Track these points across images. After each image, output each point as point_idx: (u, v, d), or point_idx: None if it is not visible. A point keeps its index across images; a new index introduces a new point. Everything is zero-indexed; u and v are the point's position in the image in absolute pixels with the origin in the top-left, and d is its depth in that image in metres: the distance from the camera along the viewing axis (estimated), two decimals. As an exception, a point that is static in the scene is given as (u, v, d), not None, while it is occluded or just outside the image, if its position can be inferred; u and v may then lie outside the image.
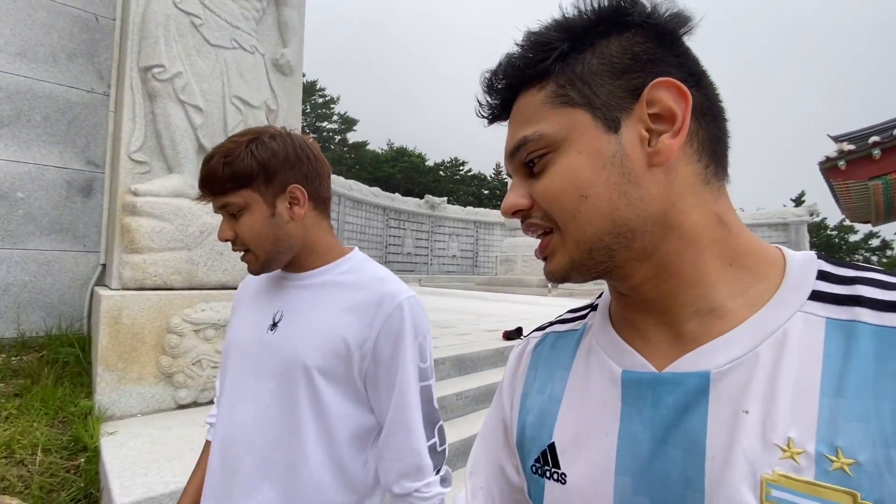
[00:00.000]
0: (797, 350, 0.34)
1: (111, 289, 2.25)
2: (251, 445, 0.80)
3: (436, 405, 0.84)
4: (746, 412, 0.33)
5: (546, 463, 0.44)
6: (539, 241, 0.44)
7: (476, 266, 21.78)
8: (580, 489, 0.41)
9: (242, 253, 0.84)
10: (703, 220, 0.38)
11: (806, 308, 0.35)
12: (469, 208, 22.83)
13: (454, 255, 20.85)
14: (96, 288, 2.65)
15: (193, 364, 2.22)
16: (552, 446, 0.44)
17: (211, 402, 2.23)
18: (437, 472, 0.82)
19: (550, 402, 0.46)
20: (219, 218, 0.88)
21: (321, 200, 0.87)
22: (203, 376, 2.24)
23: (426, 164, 36.72)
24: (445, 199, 21.44)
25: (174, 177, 2.44)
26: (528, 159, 0.41)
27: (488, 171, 39.83)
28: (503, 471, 0.52)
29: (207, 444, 0.95)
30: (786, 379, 0.33)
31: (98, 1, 2.85)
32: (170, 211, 2.35)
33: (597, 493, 0.39)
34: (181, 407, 2.22)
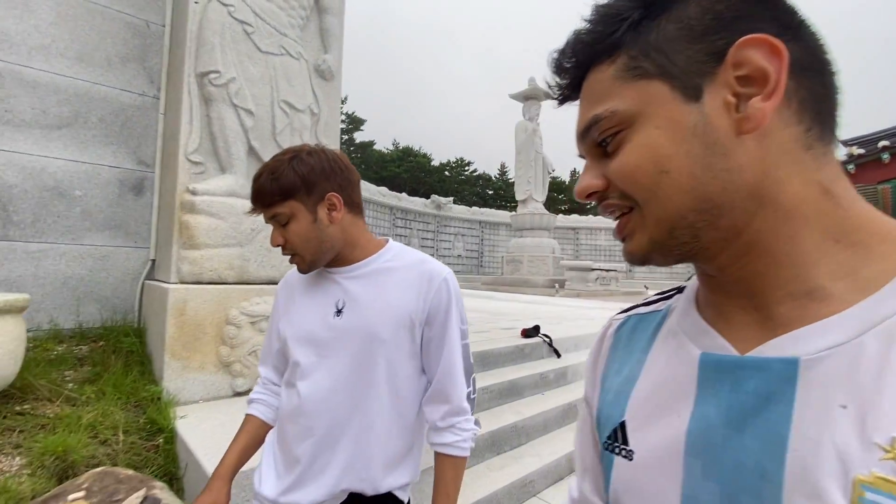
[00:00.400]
0: None
1: (169, 283, 2.38)
2: (330, 412, 0.95)
3: (471, 360, 1.03)
4: (844, 407, 0.30)
5: (616, 440, 0.44)
6: (616, 222, 0.42)
7: (481, 266, 21.90)
8: (646, 466, 0.40)
9: (291, 256, 0.98)
10: (804, 190, 0.34)
11: None
12: (474, 208, 22.95)
13: (460, 255, 20.97)
14: (150, 282, 2.78)
15: (249, 354, 2.35)
16: (623, 424, 0.44)
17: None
18: (472, 415, 1.01)
19: (627, 382, 0.46)
20: None
21: (354, 204, 1.01)
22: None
23: (432, 164, 36.85)
24: (451, 199, 21.57)
25: (227, 177, 2.57)
26: (601, 139, 0.39)
27: (493, 172, 39.92)
28: (597, 451, 0.53)
29: (248, 418, 1.09)
30: None
31: (149, 8, 2.98)
32: (224, 209, 2.48)
33: (664, 472, 0.38)
34: (237, 394, 2.34)
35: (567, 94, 0.43)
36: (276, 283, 2.62)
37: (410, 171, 34.50)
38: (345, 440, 0.95)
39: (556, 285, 13.77)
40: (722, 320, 0.39)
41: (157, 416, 1.92)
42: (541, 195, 16.82)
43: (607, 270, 14.48)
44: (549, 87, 0.43)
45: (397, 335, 0.96)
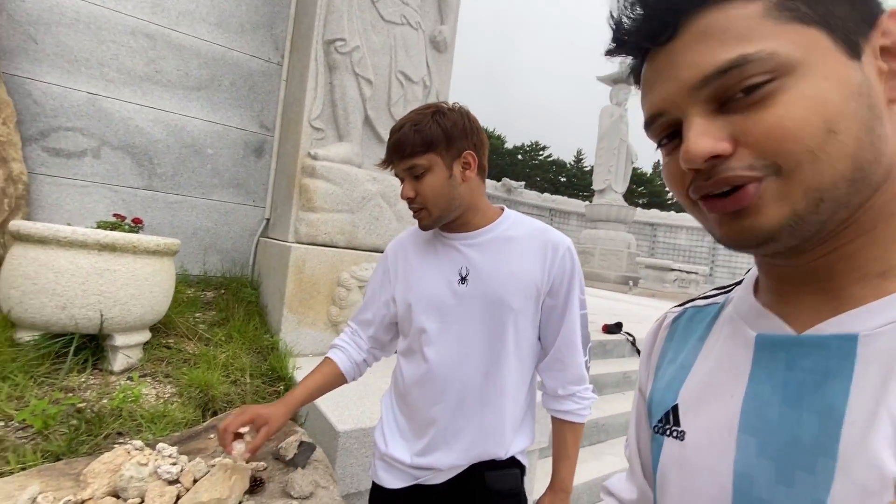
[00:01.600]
0: None
1: (287, 241, 2.51)
2: (461, 377, 0.96)
3: (589, 329, 1.03)
4: None
5: (667, 422, 0.44)
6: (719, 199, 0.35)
7: (547, 255, 21.35)
8: (698, 446, 0.40)
9: (417, 210, 0.97)
10: None
11: None
12: (546, 195, 22.31)
13: (526, 242, 20.55)
14: (264, 239, 2.97)
15: (355, 317, 2.44)
16: (675, 407, 0.44)
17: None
18: (589, 383, 1.02)
19: (681, 368, 0.46)
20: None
21: (482, 168, 1.00)
22: (362, 329, 2.46)
23: (505, 146, 36.23)
24: (523, 183, 21.10)
25: (344, 144, 2.64)
26: (746, 85, 0.32)
27: (569, 158, 38.48)
28: (648, 437, 0.52)
29: (327, 360, 1.09)
30: None
31: (279, -24, 3.09)
32: (340, 176, 2.55)
33: (716, 450, 0.38)
34: (341, 354, 2.46)
35: (654, 34, 0.35)
36: (380, 252, 2.68)
37: (482, 153, 34.13)
38: (477, 405, 0.97)
39: (630, 282, 13.11)
40: (782, 303, 0.39)
41: (277, 364, 2.06)
42: (621, 186, 15.96)
43: (688, 272, 13.53)
44: (619, 24, 0.37)
45: (524, 305, 0.96)
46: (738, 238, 0.35)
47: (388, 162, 0.97)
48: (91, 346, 1.68)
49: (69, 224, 1.80)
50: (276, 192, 3.02)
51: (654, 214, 21.35)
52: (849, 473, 0.31)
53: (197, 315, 2.43)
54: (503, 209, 1.05)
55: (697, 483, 0.40)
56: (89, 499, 0.83)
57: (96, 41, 2.56)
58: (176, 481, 0.90)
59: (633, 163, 16.66)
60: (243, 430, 0.90)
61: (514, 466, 1.02)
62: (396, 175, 0.98)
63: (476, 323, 0.96)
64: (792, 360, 0.35)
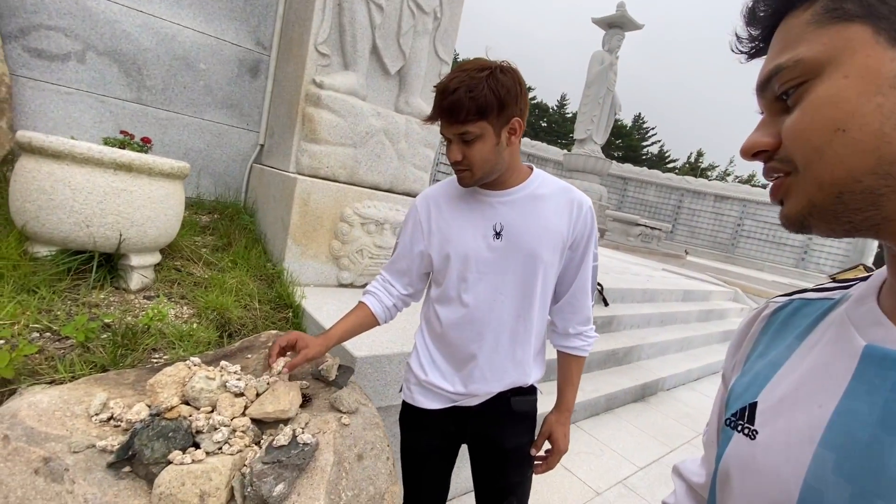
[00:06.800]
0: None
1: (288, 172, 2.49)
2: (497, 319, 1.09)
3: (597, 279, 1.16)
4: None
5: (741, 418, 0.42)
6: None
7: (520, 199, 21.51)
8: (769, 449, 0.38)
9: (462, 170, 1.02)
10: None
11: None
12: (525, 139, 22.05)
13: (501, 185, 20.55)
14: (259, 165, 2.91)
15: (356, 252, 2.51)
16: (754, 405, 0.42)
17: (363, 286, 2.54)
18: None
19: (770, 365, 0.43)
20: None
21: (523, 129, 1.03)
22: (362, 264, 2.54)
23: (487, 82, 34.80)
24: (504, 125, 20.65)
25: (350, 74, 2.55)
26: (782, 91, 0.35)
27: (552, 102, 37.64)
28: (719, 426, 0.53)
29: (361, 305, 1.21)
30: None
31: None
32: (345, 108, 2.50)
33: (789, 458, 0.36)
34: (341, 286, 2.55)
35: (759, 46, 0.38)
36: (379, 189, 2.71)
37: (465, 87, 32.76)
38: (511, 341, 1.10)
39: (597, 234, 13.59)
40: None
41: (283, 292, 2.13)
42: (601, 137, 15.94)
43: (652, 228, 14.13)
44: (738, 38, 0.39)
45: (551, 257, 1.06)
46: (783, 222, 0.37)
47: (433, 119, 0.98)
48: (107, 266, 1.69)
49: (73, 137, 1.73)
50: (272, 117, 2.92)
51: (627, 169, 21.67)
52: None
53: (197, 239, 2.43)
54: (532, 168, 1.11)
55: (761, 485, 0.38)
56: (173, 406, 0.93)
57: (73, -76, 2.27)
58: (241, 394, 1.01)
59: (616, 114, 16.57)
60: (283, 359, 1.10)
61: (533, 393, 1.19)
62: (442, 133, 0.99)
63: (510, 273, 1.06)
64: None
